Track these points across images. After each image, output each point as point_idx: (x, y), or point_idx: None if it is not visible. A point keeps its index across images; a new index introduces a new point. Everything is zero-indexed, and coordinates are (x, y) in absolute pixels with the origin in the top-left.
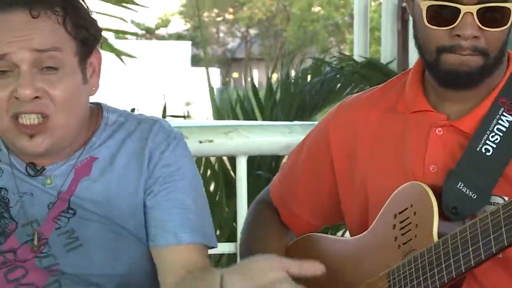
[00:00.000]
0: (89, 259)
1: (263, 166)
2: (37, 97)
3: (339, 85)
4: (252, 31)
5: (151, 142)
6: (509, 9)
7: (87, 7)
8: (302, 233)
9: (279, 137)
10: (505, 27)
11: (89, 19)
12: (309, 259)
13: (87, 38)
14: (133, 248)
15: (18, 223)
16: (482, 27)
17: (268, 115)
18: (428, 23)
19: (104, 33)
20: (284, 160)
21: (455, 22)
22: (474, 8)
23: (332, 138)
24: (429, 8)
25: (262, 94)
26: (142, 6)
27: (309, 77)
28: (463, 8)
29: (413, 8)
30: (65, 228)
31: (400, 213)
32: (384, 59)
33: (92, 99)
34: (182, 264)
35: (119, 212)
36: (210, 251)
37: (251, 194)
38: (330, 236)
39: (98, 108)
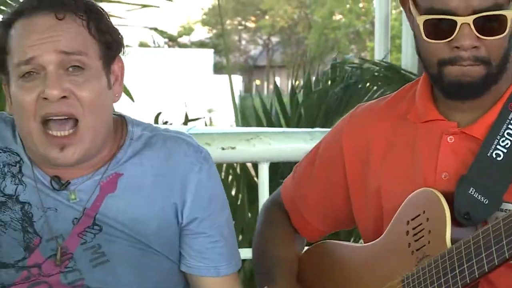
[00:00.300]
0: (116, 275)
1: (285, 173)
2: (64, 97)
3: (360, 90)
4: (274, 39)
5: (182, 164)
6: (505, 16)
7: (108, 16)
8: (311, 238)
9: (301, 143)
10: (503, 34)
11: (111, 26)
12: (323, 266)
13: (110, 42)
14: (160, 266)
15: (42, 238)
16: (480, 36)
17: (292, 122)
18: (427, 37)
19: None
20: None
21: (453, 34)
22: (470, 19)
23: (345, 145)
24: (426, 22)
25: (284, 100)
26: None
27: (330, 83)
28: (459, 20)
29: (413, 22)
30: (91, 243)
31: (413, 219)
32: (404, 66)
33: (119, 105)
34: None
35: (145, 231)
36: None
37: None
38: (344, 242)
39: (122, 120)
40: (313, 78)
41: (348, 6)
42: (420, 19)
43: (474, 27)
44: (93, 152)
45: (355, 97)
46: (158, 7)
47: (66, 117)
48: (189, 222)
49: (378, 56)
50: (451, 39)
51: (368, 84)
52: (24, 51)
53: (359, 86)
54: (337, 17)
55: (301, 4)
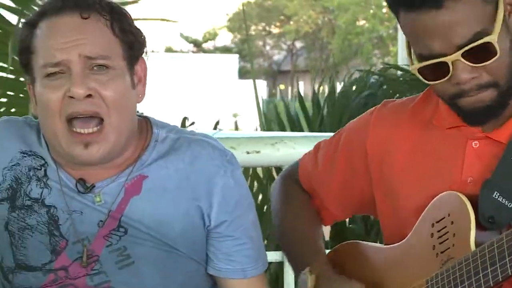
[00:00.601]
0: (141, 278)
1: None
2: (89, 96)
3: (384, 96)
4: (298, 44)
5: (207, 167)
6: (489, 42)
7: (130, 17)
8: (327, 222)
9: None
10: (496, 56)
11: (134, 26)
12: (348, 266)
13: (133, 43)
14: (185, 267)
15: (69, 241)
16: (475, 65)
17: (314, 126)
18: (427, 80)
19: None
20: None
21: (449, 73)
22: (458, 55)
23: (369, 143)
24: (419, 70)
25: (308, 105)
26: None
27: (354, 87)
28: (449, 59)
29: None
30: (116, 245)
31: (437, 222)
32: None
33: (145, 108)
34: None
35: (169, 233)
36: None
37: None
38: (369, 243)
39: (146, 122)
40: (337, 84)
41: (371, 11)
42: (414, 68)
43: (465, 60)
44: (117, 150)
45: (378, 102)
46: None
47: (90, 116)
48: (216, 226)
49: (401, 60)
50: (449, 78)
51: (391, 90)
52: (52, 53)
53: (383, 91)
54: (361, 22)
55: (325, 9)
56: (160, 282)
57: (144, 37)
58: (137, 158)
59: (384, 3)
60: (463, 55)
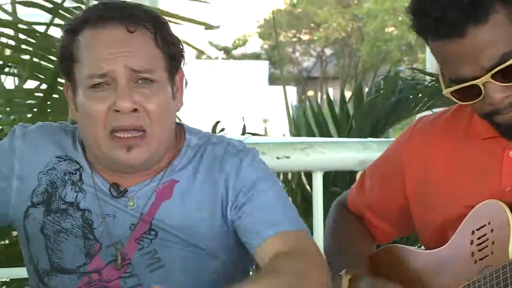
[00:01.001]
0: (171, 280)
1: (338, 182)
2: (135, 109)
3: (412, 101)
4: (327, 51)
5: (225, 162)
6: None
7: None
8: (383, 240)
9: (354, 153)
10: None
11: (175, 36)
12: (388, 269)
13: (175, 53)
14: (213, 268)
15: (102, 244)
16: (506, 84)
17: (343, 132)
18: (461, 102)
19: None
20: (361, 172)
21: (481, 94)
22: (488, 77)
23: (406, 162)
24: (452, 93)
25: (337, 111)
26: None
27: (382, 92)
28: (479, 81)
29: None
30: (147, 248)
31: (477, 229)
32: None
33: (179, 115)
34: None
35: (198, 235)
36: None
37: (327, 208)
38: (410, 247)
39: (180, 128)
40: (366, 89)
41: (400, 18)
42: (446, 92)
43: (496, 81)
44: (156, 158)
45: (406, 107)
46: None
47: (133, 129)
48: (236, 208)
49: (429, 67)
50: (482, 98)
51: (419, 95)
52: (98, 64)
53: (410, 96)
54: (390, 29)
55: (354, 17)
56: (189, 283)
57: (183, 46)
58: (168, 163)
59: None
60: (493, 77)
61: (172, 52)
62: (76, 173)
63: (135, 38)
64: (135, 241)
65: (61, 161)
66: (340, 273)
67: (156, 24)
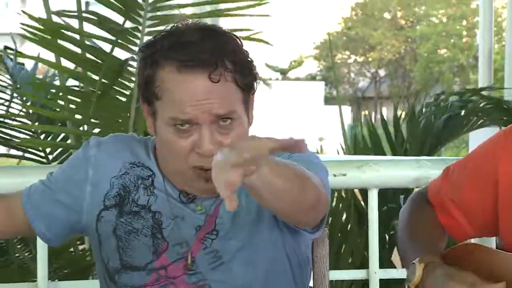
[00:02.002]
0: (231, 273)
1: (392, 199)
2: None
3: (463, 120)
4: (381, 72)
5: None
6: None
7: (241, 43)
8: (458, 237)
9: (409, 171)
10: None
11: (249, 60)
12: (465, 268)
13: (252, 83)
14: (267, 250)
15: (169, 243)
16: None
17: (397, 150)
18: None
19: None
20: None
21: None
22: None
23: (502, 166)
24: None
25: (390, 130)
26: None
27: (433, 113)
28: None
29: None
30: (210, 248)
31: None
32: (507, 98)
33: None
34: None
35: (257, 229)
36: (342, 277)
37: (382, 224)
38: (489, 247)
39: None
40: (418, 109)
41: (452, 41)
42: None
43: None
44: None
45: (457, 126)
46: (271, 45)
47: None
48: None
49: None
50: None
51: (470, 114)
52: (181, 110)
53: (462, 115)
54: (442, 51)
55: (407, 39)
56: (248, 275)
57: (257, 70)
58: None
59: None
60: None
61: (249, 84)
62: (148, 179)
63: (219, 86)
64: (200, 241)
65: (134, 166)
66: (413, 261)
67: (235, 60)
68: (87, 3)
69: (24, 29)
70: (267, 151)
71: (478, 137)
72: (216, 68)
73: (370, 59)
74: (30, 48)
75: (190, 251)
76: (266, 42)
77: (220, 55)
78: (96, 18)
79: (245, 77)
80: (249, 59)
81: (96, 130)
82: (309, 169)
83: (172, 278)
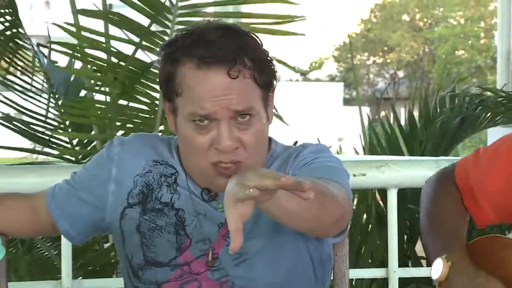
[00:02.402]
0: (254, 271)
1: (411, 199)
2: (236, 147)
3: (479, 118)
4: (400, 73)
5: (296, 158)
6: None
7: (261, 43)
8: (480, 223)
9: (427, 171)
10: None
11: (268, 58)
12: (488, 260)
13: (271, 81)
14: (291, 252)
15: (192, 240)
16: None
17: (414, 150)
18: None
19: None
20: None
21: None
22: None
23: None
24: None
25: (408, 130)
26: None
27: (449, 112)
28: None
29: None
30: None
31: None
32: None
33: None
34: None
35: (280, 228)
36: (362, 275)
37: (401, 224)
38: None
39: (268, 141)
40: (433, 109)
41: (470, 42)
42: None
43: None
44: None
45: (473, 124)
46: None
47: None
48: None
49: (499, 87)
50: None
51: (486, 111)
52: (200, 106)
53: (478, 113)
54: (460, 52)
55: (426, 40)
56: (270, 272)
57: (276, 69)
58: None
59: (482, 34)
60: None
61: (268, 82)
62: (171, 177)
63: (237, 83)
64: (222, 237)
65: (157, 164)
66: (439, 258)
67: (254, 57)
68: (110, 6)
69: (53, 42)
70: (275, 188)
71: (495, 136)
72: (234, 64)
73: (388, 61)
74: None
75: (211, 247)
76: (290, 33)
77: (239, 52)
78: (121, 19)
79: (264, 74)
80: (268, 57)
81: (121, 133)
82: (332, 176)
83: (196, 274)
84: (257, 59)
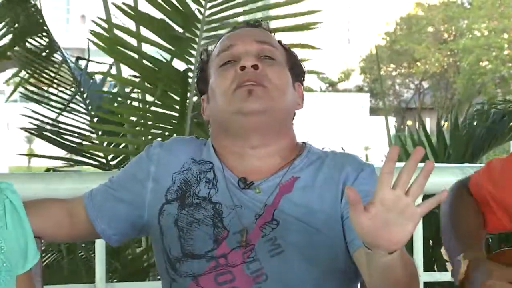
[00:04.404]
0: (290, 265)
1: (435, 206)
2: (257, 68)
3: (504, 129)
4: (425, 84)
5: (348, 167)
6: None
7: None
8: (493, 228)
9: (452, 178)
10: None
11: (298, 59)
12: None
13: (295, 66)
14: (327, 255)
15: (229, 231)
16: None
17: (440, 158)
18: None
19: None
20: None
21: None
22: None
23: None
24: None
25: (434, 139)
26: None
27: (475, 122)
28: None
29: None
30: (269, 236)
31: None
32: None
33: None
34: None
35: (317, 221)
36: None
37: (425, 228)
38: None
39: (303, 143)
40: (460, 119)
41: (494, 53)
42: None
43: None
44: (273, 118)
45: (499, 134)
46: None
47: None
48: (346, 206)
49: None
50: None
51: (511, 122)
52: (225, 43)
53: (504, 124)
54: (484, 63)
55: (450, 52)
56: (306, 268)
57: (304, 71)
58: (290, 163)
59: (506, 45)
60: None
61: (293, 62)
62: (210, 171)
63: (261, 31)
64: (259, 228)
65: (195, 163)
66: (457, 258)
67: (281, 44)
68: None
69: (91, 41)
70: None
71: None
72: (259, 26)
73: (414, 72)
74: (95, 65)
75: (247, 238)
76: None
77: (266, 30)
78: (155, 26)
79: (290, 55)
80: (294, 53)
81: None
82: None
83: (231, 266)
84: (282, 45)
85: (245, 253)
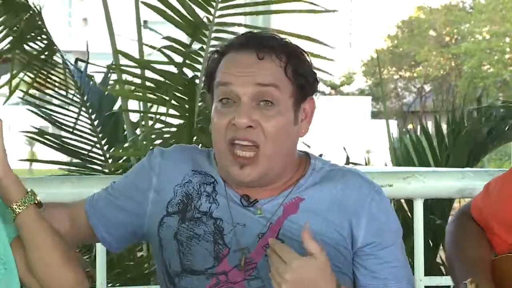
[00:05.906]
0: None
1: (436, 209)
2: (251, 126)
3: (505, 130)
4: (427, 87)
5: (357, 194)
6: None
7: (310, 60)
8: (499, 250)
9: (453, 182)
10: None
11: (309, 70)
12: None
13: (304, 85)
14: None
15: (231, 249)
16: None
17: (441, 162)
18: None
19: None
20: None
21: None
22: None
23: None
24: None
25: (435, 143)
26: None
27: (475, 124)
28: None
29: None
30: None
31: None
32: None
33: None
34: None
35: (322, 246)
36: None
37: (426, 233)
38: None
39: (306, 156)
40: (461, 121)
41: (496, 57)
42: None
43: None
44: (270, 177)
45: (499, 137)
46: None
47: (248, 143)
48: (361, 246)
49: None
50: None
51: (511, 123)
52: (225, 76)
53: (504, 126)
54: (486, 67)
55: (452, 55)
56: None
57: (317, 80)
58: (295, 182)
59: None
60: None
61: (301, 84)
62: (210, 185)
63: (264, 63)
64: (262, 247)
65: (196, 174)
66: (464, 282)
67: (290, 56)
68: (145, 22)
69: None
70: None
71: None
72: (265, 48)
73: (415, 75)
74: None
75: (248, 256)
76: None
77: (274, 46)
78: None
79: (297, 74)
80: (309, 63)
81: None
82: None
83: (232, 283)
84: (293, 58)
85: (247, 271)
